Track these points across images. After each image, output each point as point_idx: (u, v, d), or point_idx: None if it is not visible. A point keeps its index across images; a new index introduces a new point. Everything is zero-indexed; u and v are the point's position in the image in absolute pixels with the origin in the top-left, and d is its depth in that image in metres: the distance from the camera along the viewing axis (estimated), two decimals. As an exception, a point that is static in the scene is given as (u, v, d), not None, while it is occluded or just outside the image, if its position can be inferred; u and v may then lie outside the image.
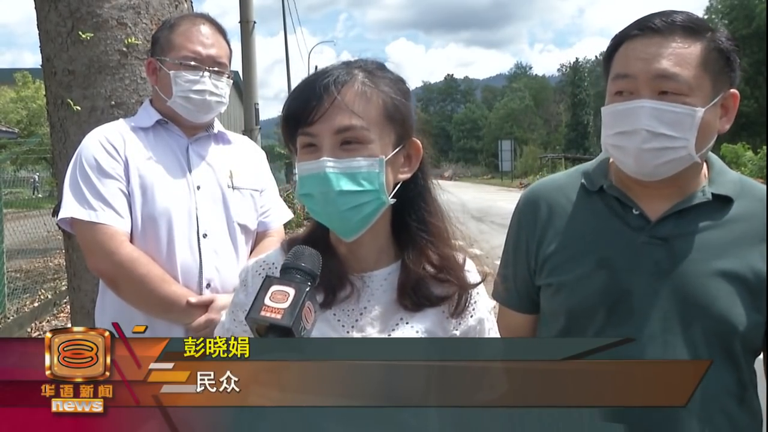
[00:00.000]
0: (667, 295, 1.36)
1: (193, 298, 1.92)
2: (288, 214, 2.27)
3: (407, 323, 1.23)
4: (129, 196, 1.95)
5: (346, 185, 1.15)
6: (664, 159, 1.34)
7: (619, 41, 1.39)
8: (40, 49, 2.58)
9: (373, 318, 1.23)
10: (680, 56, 1.31)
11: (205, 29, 2.04)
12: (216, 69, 2.03)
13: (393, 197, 1.20)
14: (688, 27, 1.32)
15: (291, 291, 0.99)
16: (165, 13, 2.53)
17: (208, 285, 1.98)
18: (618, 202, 1.44)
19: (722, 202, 1.39)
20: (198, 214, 2.00)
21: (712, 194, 1.39)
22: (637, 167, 1.36)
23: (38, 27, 2.58)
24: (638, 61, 1.33)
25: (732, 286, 1.34)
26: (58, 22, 2.47)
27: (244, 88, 8.77)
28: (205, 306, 1.93)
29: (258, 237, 2.16)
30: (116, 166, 1.95)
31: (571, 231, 1.48)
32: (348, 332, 1.22)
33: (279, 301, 0.98)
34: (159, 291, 1.89)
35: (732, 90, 1.37)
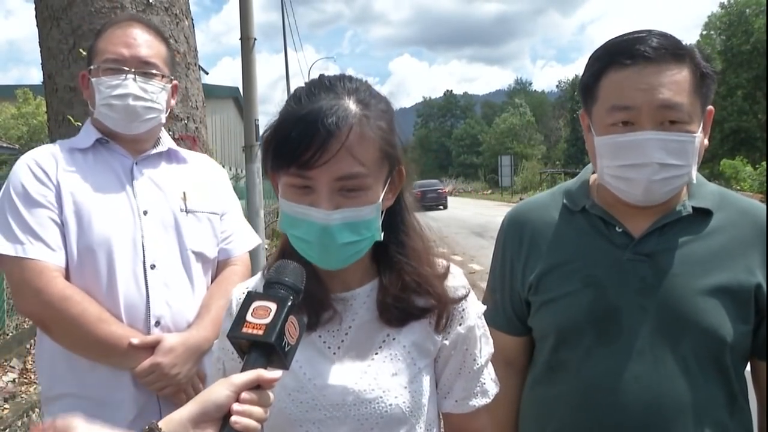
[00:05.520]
0: (654, 311, 1.36)
1: (136, 339, 1.68)
2: (255, 240, 2.04)
3: (394, 339, 1.20)
4: (63, 226, 1.72)
5: (348, 237, 1.11)
6: (671, 187, 1.34)
7: (602, 68, 1.36)
8: (42, 66, 2.59)
9: (358, 337, 1.20)
10: (677, 84, 1.30)
11: (133, 31, 1.82)
12: (144, 70, 1.79)
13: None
14: (676, 53, 1.31)
15: (273, 306, 0.95)
16: (166, 30, 2.54)
17: (158, 323, 1.74)
18: (601, 221, 1.44)
19: (703, 214, 1.40)
20: (144, 242, 1.76)
21: (693, 207, 1.40)
22: (645, 197, 1.35)
23: (40, 44, 2.59)
24: (638, 92, 1.30)
25: (718, 299, 1.34)
26: (59, 40, 2.48)
27: (244, 104, 8.79)
28: (151, 347, 1.70)
29: (219, 266, 1.93)
30: (47, 193, 1.73)
31: (556, 250, 1.47)
32: (335, 353, 1.19)
33: (261, 316, 0.93)
34: (96, 332, 1.66)
35: (709, 107, 1.38)
